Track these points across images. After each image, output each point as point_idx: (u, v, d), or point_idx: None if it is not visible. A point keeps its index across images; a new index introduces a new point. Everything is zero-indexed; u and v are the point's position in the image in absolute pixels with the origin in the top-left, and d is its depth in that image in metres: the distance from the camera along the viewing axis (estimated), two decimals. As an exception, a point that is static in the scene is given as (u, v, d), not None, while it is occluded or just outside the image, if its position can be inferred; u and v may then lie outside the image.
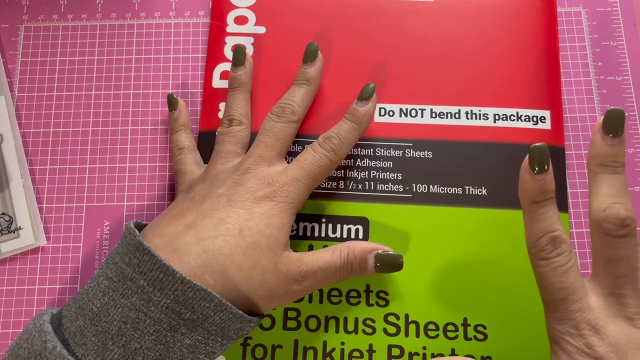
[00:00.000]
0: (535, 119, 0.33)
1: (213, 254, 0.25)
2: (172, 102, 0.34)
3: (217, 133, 0.32)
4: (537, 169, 0.24)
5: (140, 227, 0.28)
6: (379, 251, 0.29)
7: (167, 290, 0.24)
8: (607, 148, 0.24)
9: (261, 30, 0.36)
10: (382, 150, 0.33)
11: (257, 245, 0.26)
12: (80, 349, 0.24)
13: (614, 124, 0.24)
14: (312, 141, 0.32)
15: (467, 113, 0.34)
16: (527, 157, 0.24)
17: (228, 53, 0.36)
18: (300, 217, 0.32)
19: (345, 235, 0.32)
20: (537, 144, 0.24)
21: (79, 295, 0.25)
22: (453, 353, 0.30)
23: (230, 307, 0.25)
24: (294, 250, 0.28)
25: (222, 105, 0.35)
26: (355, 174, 0.33)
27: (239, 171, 0.28)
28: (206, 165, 0.32)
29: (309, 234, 0.32)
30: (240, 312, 0.25)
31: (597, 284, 0.24)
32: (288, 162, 0.32)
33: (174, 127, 0.33)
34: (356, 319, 0.31)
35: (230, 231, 0.26)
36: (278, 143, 0.30)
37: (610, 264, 0.24)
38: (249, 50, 0.35)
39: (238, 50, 0.33)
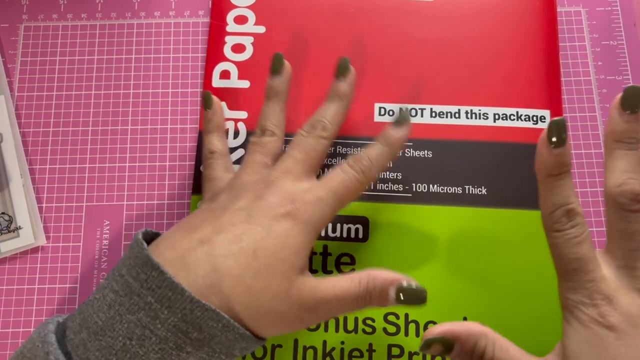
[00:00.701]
0: (535, 118, 0.33)
1: (222, 274, 0.24)
2: (207, 101, 0.33)
3: (249, 142, 0.30)
4: (554, 142, 0.24)
5: (149, 236, 0.27)
6: (403, 283, 0.26)
7: (175, 309, 0.23)
8: (624, 124, 0.24)
9: (261, 29, 0.36)
10: (382, 149, 0.33)
11: (270, 268, 0.25)
12: None
13: (631, 100, 0.24)
14: None
15: (467, 112, 0.34)
16: (545, 130, 0.24)
17: (228, 53, 0.36)
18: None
19: (345, 235, 0.32)
20: (557, 117, 0.24)
21: (84, 306, 0.25)
22: (453, 353, 0.30)
23: (237, 328, 0.24)
24: None
25: (222, 105, 0.35)
26: (355, 174, 0.33)
27: (263, 183, 0.27)
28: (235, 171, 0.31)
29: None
30: (248, 332, 0.24)
31: (611, 256, 0.24)
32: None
33: (207, 128, 0.32)
34: (356, 319, 0.31)
35: (243, 251, 0.24)
36: (307, 158, 0.28)
37: (624, 237, 0.24)
38: (249, 50, 0.35)
39: (276, 58, 0.31)
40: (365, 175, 0.28)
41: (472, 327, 0.25)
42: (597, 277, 0.24)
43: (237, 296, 0.24)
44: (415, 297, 0.26)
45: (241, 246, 0.25)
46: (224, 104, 0.34)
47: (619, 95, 0.25)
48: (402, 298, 0.26)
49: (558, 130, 0.24)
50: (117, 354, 0.23)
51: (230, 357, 0.25)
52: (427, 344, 0.25)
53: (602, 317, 0.23)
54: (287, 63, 0.31)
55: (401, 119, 0.29)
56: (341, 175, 0.27)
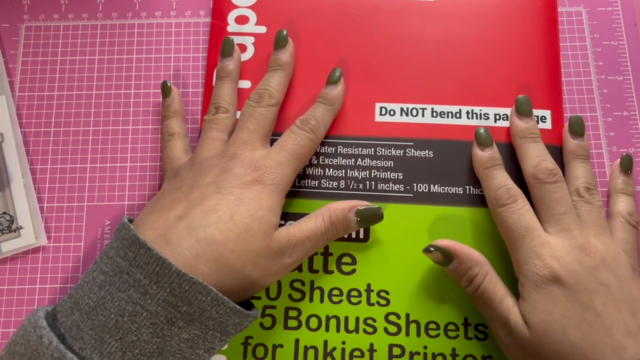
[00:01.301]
0: (535, 118, 0.33)
1: (206, 243, 0.25)
2: (165, 89, 0.34)
3: (204, 120, 0.32)
4: (484, 145, 0.31)
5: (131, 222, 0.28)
6: (359, 207, 0.30)
7: (164, 283, 0.24)
8: (524, 125, 0.32)
9: (262, 30, 0.36)
10: (383, 149, 0.33)
11: (249, 229, 0.26)
12: (77, 342, 0.24)
13: (524, 107, 0.32)
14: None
15: (467, 112, 0.34)
16: (474, 137, 0.32)
17: (229, 52, 0.36)
18: (301, 217, 0.32)
19: (346, 235, 0.32)
20: (480, 128, 0.32)
21: (74, 291, 0.25)
22: (454, 352, 0.30)
23: (227, 302, 0.25)
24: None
25: (222, 105, 0.35)
26: (356, 174, 0.33)
27: (225, 157, 0.29)
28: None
29: None
30: (238, 306, 0.25)
31: (547, 226, 0.29)
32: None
33: (166, 113, 0.34)
34: (357, 319, 0.31)
35: (221, 218, 0.26)
36: (260, 127, 0.30)
37: (552, 205, 0.29)
38: (250, 50, 0.35)
39: (226, 42, 0.34)
40: (315, 133, 0.30)
41: (473, 253, 0.29)
42: (544, 242, 0.28)
43: (223, 261, 0.25)
44: (372, 215, 0.30)
45: (218, 215, 0.26)
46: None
47: (512, 109, 0.33)
48: (359, 219, 0.30)
49: (486, 134, 0.32)
50: (110, 331, 0.24)
51: (226, 335, 0.26)
52: (430, 249, 0.29)
53: (552, 275, 0.27)
54: (236, 47, 0.34)
55: (334, 78, 0.32)
56: (293, 137, 0.30)
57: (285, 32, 0.33)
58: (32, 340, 0.23)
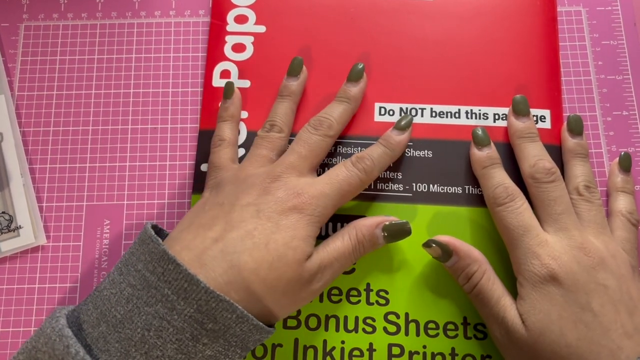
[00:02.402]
0: (535, 118, 0.33)
1: (239, 270, 0.25)
2: (228, 90, 0.33)
3: (256, 136, 0.32)
4: (481, 145, 0.31)
5: (156, 230, 0.28)
6: (385, 223, 0.29)
7: (191, 300, 0.24)
8: (522, 124, 0.32)
9: (261, 29, 0.36)
10: (383, 149, 0.33)
11: (283, 258, 0.26)
12: (104, 354, 0.24)
13: (521, 106, 0.32)
14: None
15: (467, 112, 0.34)
16: (472, 137, 0.32)
17: (228, 52, 0.36)
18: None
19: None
20: (477, 128, 0.32)
21: (100, 301, 0.25)
22: (453, 352, 0.30)
23: (251, 319, 0.25)
24: None
25: (222, 105, 0.35)
26: (356, 173, 0.33)
27: (269, 178, 0.28)
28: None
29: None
30: (261, 324, 0.25)
31: (545, 225, 0.29)
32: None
33: (222, 115, 0.33)
34: (356, 318, 0.31)
35: (256, 245, 0.26)
36: (311, 155, 0.30)
37: (550, 205, 0.29)
38: (249, 50, 0.35)
39: (295, 61, 0.33)
40: (367, 175, 0.29)
41: (472, 250, 0.29)
42: (542, 242, 0.28)
43: (253, 289, 0.25)
44: (399, 230, 0.29)
45: (254, 241, 0.26)
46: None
47: (510, 109, 0.33)
48: (386, 234, 0.29)
49: (483, 134, 0.32)
50: (136, 344, 0.24)
51: (245, 350, 0.26)
52: (430, 244, 0.29)
53: (550, 275, 0.27)
54: (304, 68, 0.34)
55: (404, 124, 0.32)
56: (345, 172, 0.29)
57: (361, 66, 0.33)
58: (57, 349, 0.23)
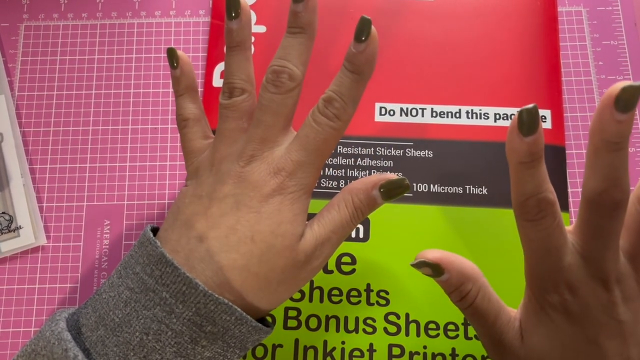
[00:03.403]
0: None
1: (228, 270, 0.24)
2: (171, 57, 0.28)
3: (219, 105, 0.28)
4: (526, 132, 0.23)
5: (155, 231, 0.27)
6: (382, 182, 0.26)
7: (190, 303, 0.24)
8: (615, 125, 0.22)
9: (262, 29, 0.36)
10: (383, 149, 0.33)
11: (272, 248, 0.25)
12: (102, 358, 0.23)
13: (627, 99, 0.21)
14: None
15: (467, 112, 0.34)
16: (515, 117, 0.23)
17: (228, 52, 0.36)
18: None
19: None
20: (528, 105, 0.22)
21: (99, 304, 0.25)
22: (454, 352, 0.30)
23: (250, 321, 0.24)
24: None
25: (222, 105, 0.34)
26: (356, 174, 0.33)
27: (242, 160, 0.26)
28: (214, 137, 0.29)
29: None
30: (260, 325, 0.25)
31: (578, 245, 0.24)
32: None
33: (177, 89, 0.29)
34: (357, 318, 0.31)
35: (242, 241, 0.25)
36: (279, 119, 0.26)
37: (596, 236, 0.23)
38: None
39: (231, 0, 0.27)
40: (340, 119, 0.25)
41: (465, 267, 0.25)
42: (564, 267, 0.24)
43: (248, 286, 0.25)
44: (398, 186, 0.26)
45: (238, 236, 0.25)
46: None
47: (614, 93, 0.21)
48: (382, 190, 0.26)
49: (529, 117, 0.22)
50: (135, 349, 0.23)
51: (244, 351, 0.26)
52: (419, 265, 0.25)
53: (561, 305, 0.24)
54: (245, 3, 0.27)
55: (362, 33, 0.24)
56: (315, 129, 0.25)
57: None
58: (56, 352, 0.23)
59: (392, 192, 0.26)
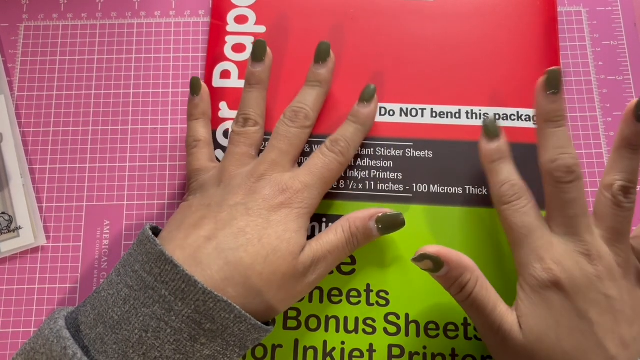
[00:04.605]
0: (535, 118, 0.33)
1: (235, 266, 0.25)
2: (194, 86, 0.32)
3: (230, 131, 0.31)
4: (490, 138, 0.29)
5: (155, 232, 0.28)
6: (379, 214, 0.29)
7: (189, 301, 0.24)
8: (550, 105, 0.28)
9: (261, 29, 0.36)
10: (383, 149, 0.33)
11: (278, 251, 0.26)
12: (101, 356, 0.24)
13: (554, 81, 0.28)
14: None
15: (467, 113, 0.34)
16: (482, 125, 0.29)
17: (228, 52, 0.36)
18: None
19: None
20: (489, 118, 0.29)
21: (98, 302, 0.25)
22: (453, 353, 0.30)
23: (249, 319, 0.25)
24: None
25: (222, 105, 0.35)
26: (356, 174, 0.33)
27: (253, 177, 0.28)
28: (219, 162, 0.32)
29: (309, 233, 0.32)
30: (259, 323, 0.25)
31: (554, 225, 0.27)
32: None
33: (193, 113, 0.32)
34: (356, 319, 0.31)
35: (250, 241, 0.26)
36: (292, 148, 0.29)
37: (564, 206, 0.27)
38: (249, 50, 0.35)
39: (258, 44, 0.31)
40: (344, 156, 0.30)
41: (463, 259, 0.27)
42: (546, 244, 0.26)
43: (251, 284, 0.25)
44: (392, 222, 0.29)
45: (247, 237, 0.26)
46: (224, 103, 0.34)
47: (542, 78, 0.28)
48: (380, 227, 0.29)
49: (492, 125, 0.29)
50: (134, 346, 0.24)
51: (243, 349, 0.26)
52: (420, 258, 0.27)
53: (550, 281, 0.26)
54: (269, 51, 0.32)
55: (367, 96, 0.31)
56: (322, 159, 0.29)
57: (327, 45, 0.31)
58: (55, 350, 0.23)
59: (386, 227, 0.29)
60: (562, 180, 0.27)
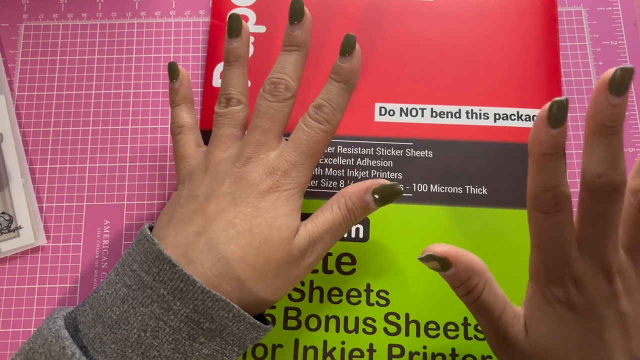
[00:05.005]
0: (535, 118, 0.33)
1: (227, 261, 0.25)
2: (173, 71, 0.31)
3: (215, 113, 0.30)
4: (554, 125, 0.23)
5: (152, 230, 0.28)
6: (375, 186, 0.27)
7: (187, 300, 0.24)
8: (611, 108, 0.22)
9: (261, 29, 0.36)
10: (383, 149, 0.33)
11: (269, 240, 0.26)
12: (100, 356, 0.24)
13: (622, 84, 0.22)
14: None
15: (467, 112, 0.34)
16: (546, 107, 0.23)
17: (228, 52, 0.36)
18: (301, 217, 0.32)
19: (345, 235, 0.32)
20: (560, 98, 0.23)
21: (96, 302, 0.25)
22: (454, 352, 0.30)
23: (248, 318, 0.25)
24: None
25: (222, 105, 0.34)
26: (356, 174, 0.33)
27: (239, 162, 0.27)
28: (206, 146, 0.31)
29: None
30: (257, 322, 0.25)
31: (582, 237, 0.24)
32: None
33: (174, 99, 0.31)
34: (357, 319, 0.31)
35: (240, 233, 0.25)
36: (275, 125, 0.28)
37: (598, 224, 0.24)
38: (249, 50, 0.35)
39: (233, 18, 0.29)
40: (330, 123, 0.28)
41: (472, 261, 0.25)
42: (570, 260, 0.24)
43: (245, 277, 0.25)
44: (390, 192, 0.27)
45: (237, 229, 0.25)
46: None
47: (608, 78, 0.22)
48: (377, 197, 0.27)
49: (560, 110, 0.23)
50: (132, 345, 0.24)
51: (243, 348, 0.26)
52: (427, 258, 0.26)
53: (566, 299, 0.24)
54: (245, 25, 0.30)
55: (347, 48, 0.28)
56: (307, 132, 0.27)
57: (301, 3, 0.28)
58: (54, 350, 0.23)
59: (384, 197, 0.27)
60: (604, 199, 0.23)
